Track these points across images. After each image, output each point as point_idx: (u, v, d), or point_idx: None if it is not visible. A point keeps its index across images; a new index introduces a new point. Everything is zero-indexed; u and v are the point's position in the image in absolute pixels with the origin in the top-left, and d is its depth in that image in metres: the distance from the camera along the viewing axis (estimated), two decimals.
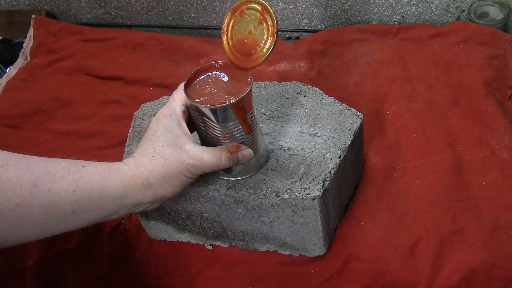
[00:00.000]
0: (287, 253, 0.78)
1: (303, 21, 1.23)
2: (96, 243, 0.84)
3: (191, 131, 0.67)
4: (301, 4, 1.20)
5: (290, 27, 1.25)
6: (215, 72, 0.67)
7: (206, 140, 0.68)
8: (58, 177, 0.56)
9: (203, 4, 1.25)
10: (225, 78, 0.66)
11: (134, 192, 0.60)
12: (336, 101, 0.80)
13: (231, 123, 0.64)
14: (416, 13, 1.17)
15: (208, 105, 0.62)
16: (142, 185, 0.61)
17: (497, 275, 0.72)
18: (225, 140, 0.66)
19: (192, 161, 0.62)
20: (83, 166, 0.59)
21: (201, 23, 1.29)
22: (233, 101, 0.62)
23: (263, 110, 0.80)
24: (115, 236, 0.84)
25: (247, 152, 0.66)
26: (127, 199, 0.60)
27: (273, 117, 0.79)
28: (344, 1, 1.17)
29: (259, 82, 0.86)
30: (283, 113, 0.79)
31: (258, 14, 0.63)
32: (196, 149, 0.63)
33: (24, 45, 1.19)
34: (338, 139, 0.74)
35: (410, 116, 0.92)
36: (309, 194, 0.68)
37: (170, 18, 1.30)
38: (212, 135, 0.66)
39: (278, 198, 0.69)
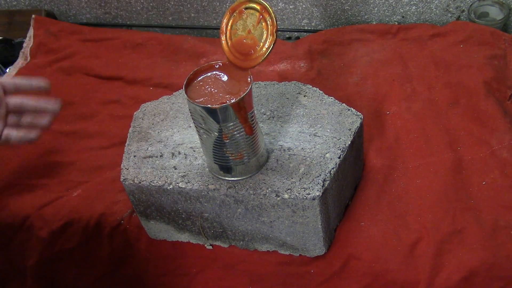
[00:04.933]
0: (287, 253, 0.78)
1: (303, 21, 1.23)
2: (96, 243, 0.84)
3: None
4: (301, 4, 1.20)
5: (290, 27, 1.24)
6: (214, 72, 0.67)
7: (207, 141, 0.68)
8: None
9: (203, 4, 1.25)
10: (225, 78, 0.66)
11: None
12: (336, 101, 0.80)
13: (232, 123, 0.64)
14: (416, 13, 1.17)
15: (209, 105, 0.62)
16: None
17: (497, 275, 0.72)
18: (226, 140, 0.66)
19: None
20: None
21: (201, 23, 1.29)
22: (234, 100, 0.62)
23: (263, 110, 0.80)
24: (115, 236, 0.84)
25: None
26: None
27: (273, 117, 0.79)
28: (344, 1, 1.17)
29: (259, 82, 0.86)
30: (283, 113, 0.79)
31: (257, 14, 0.63)
32: None
33: (24, 45, 1.19)
34: (338, 139, 0.74)
35: (410, 116, 0.92)
36: (309, 194, 0.68)
37: (170, 18, 1.30)
38: (213, 135, 0.66)
39: (278, 198, 0.69)
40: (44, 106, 0.68)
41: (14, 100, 0.67)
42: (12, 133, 0.67)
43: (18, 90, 0.67)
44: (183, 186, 0.72)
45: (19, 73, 1.13)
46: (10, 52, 1.21)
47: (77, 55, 1.16)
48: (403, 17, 1.18)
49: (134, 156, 0.77)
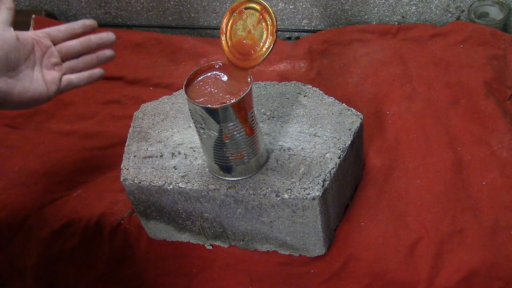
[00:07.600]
0: (287, 253, 0.78)
1: (303, 21, 1.23)
2: (96, 243, 0.84)
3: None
4: (301, 4, 1.20)
5: (290, 27, 1.24)
6: (214, 72, 0.67)
7: (207, 141, 0.68)
8: None
9: (203, 4, 1.25)
10: (225, 78, 0.66)
11: None
12: (336, 101, 0.80)
13: (232, 123, 0.64)
14: (416, 13, 1.17)
15: (209, 105, 0.62)
16: None
17: (497, 275, 0.72)
18: (226, 140, 0.66)
19: None
20: None
21: (201, 23, 1.29)
22: (234, 100, 0.62)
23: (263, 110, 0.80)
24: (115, 236, 0.84)
25: None
26: None
27: (273, 117, 0.79)
28: (344, 1, 1.17)
29: (259, 82, 0.86)
30: (283, 113, 0.79)
31: (257, 14, 0.63)
32: None
33: None
34: (338, 139, 0.74)
35: (410, 116, 0.92)
36: (309, 194, 0.68)
37: (170, 18, 1.30)
38: (213, 136, 0.66)
39: (278, 198, 0.69)
40: (97, 41, 0.69)
41: (65, 45, 0.68)
42: (72, 77, 0.68)
43: (66, 36, 0.68)
44: (183, 186, 0.72)
45: None
46: None
47: None
48: (403, 17, 1.18)
49: (134, 156, 0.77)
